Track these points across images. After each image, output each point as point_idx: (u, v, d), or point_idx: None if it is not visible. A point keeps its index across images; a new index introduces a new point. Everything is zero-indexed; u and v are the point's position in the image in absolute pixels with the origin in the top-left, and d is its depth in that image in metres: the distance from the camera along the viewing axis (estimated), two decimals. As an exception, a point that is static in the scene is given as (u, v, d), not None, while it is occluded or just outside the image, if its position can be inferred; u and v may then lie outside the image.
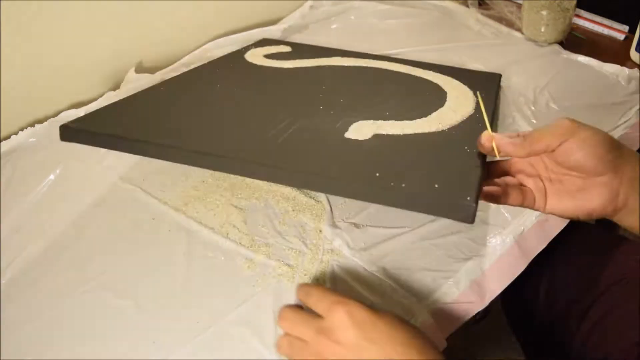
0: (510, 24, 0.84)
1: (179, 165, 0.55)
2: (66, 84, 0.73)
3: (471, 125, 0.53)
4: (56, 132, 0.69)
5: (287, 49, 0.77)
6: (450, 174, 0.42)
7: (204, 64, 0.71)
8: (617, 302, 0.56)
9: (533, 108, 0.69)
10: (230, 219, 0.57)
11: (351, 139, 0.49)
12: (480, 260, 0.52)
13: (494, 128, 0.65)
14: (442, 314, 0.48)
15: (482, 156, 0.45)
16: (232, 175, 0.61)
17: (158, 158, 0.47)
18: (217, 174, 0.62)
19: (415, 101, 0.58)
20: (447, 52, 0.79)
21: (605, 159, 0.40)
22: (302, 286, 0.45)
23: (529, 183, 0.45)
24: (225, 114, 0.53)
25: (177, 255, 0.54)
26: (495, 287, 0.51)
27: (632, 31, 0.81)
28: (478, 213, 0.54)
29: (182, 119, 0.50)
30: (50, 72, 0.71)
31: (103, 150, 0.67)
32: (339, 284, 0.51)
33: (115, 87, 0.76)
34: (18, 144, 0.67)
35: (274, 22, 0.89)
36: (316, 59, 0.73)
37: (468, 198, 0.38)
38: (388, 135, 0.50)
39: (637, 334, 0.53)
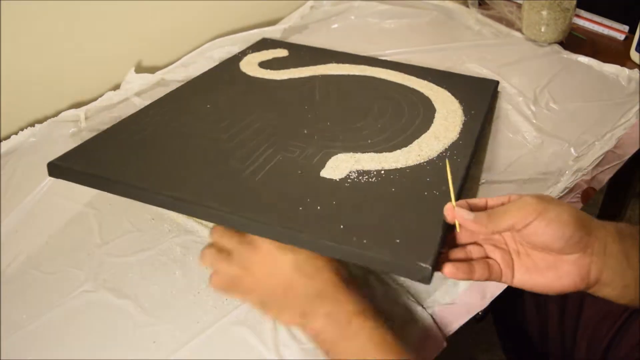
0: (510, 24, 0.84)
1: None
2: (66, 84, 0.74)
3: (450, 159, 0.53)
4: (56, 132, 0.69)
5: (284, 53, 0.77)
6: (412, 230, 0.43)
7: (201, 75, 0.70)
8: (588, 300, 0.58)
9: (533, 108, 0.69)
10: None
11: (326, 178, 0.50)
12: (480, 260, 0.52)
13: (486, 142, 0.64)
14: (442, 314, 0.48)
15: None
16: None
17: (137, 200, 0.49)
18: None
19: (401, 124, 0.59)
20: (446, 52, 0.79)
21: (573, 240, 0.38)
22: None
23: (496, 255, 0.43)
24: (209, 149, 0.54)
25: (176, 254, 0.54)
26: (496, 287, 0.51)
27: (632, 31, 0.81)
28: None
29: (162, 156, 0.53)
30: (50, 72, 0.71)
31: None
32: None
33: (115, 87, 0.76)
34: (18, 144, 0.67)
35: (274, 22, 0.89)
36: (311, 67, 0.72)
37: (424, 263, 0.40)
38: (363, 172, 0.51)
39: (607, 328, 0.55)
